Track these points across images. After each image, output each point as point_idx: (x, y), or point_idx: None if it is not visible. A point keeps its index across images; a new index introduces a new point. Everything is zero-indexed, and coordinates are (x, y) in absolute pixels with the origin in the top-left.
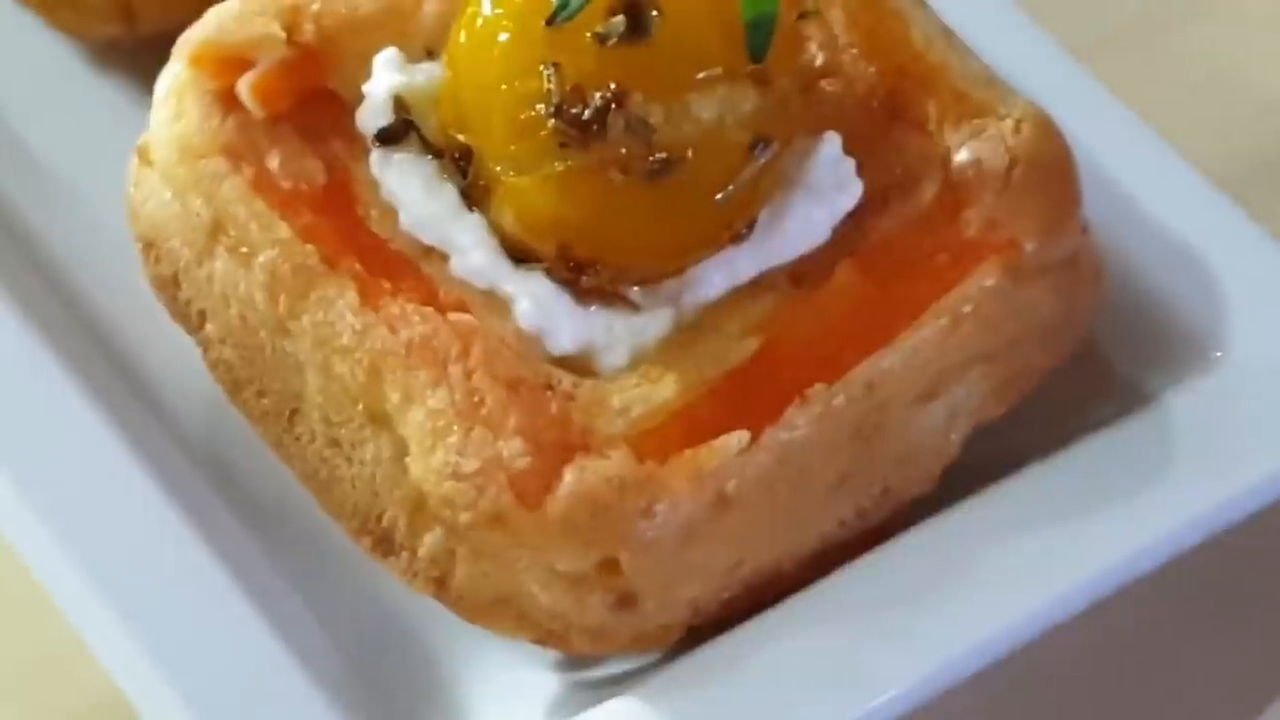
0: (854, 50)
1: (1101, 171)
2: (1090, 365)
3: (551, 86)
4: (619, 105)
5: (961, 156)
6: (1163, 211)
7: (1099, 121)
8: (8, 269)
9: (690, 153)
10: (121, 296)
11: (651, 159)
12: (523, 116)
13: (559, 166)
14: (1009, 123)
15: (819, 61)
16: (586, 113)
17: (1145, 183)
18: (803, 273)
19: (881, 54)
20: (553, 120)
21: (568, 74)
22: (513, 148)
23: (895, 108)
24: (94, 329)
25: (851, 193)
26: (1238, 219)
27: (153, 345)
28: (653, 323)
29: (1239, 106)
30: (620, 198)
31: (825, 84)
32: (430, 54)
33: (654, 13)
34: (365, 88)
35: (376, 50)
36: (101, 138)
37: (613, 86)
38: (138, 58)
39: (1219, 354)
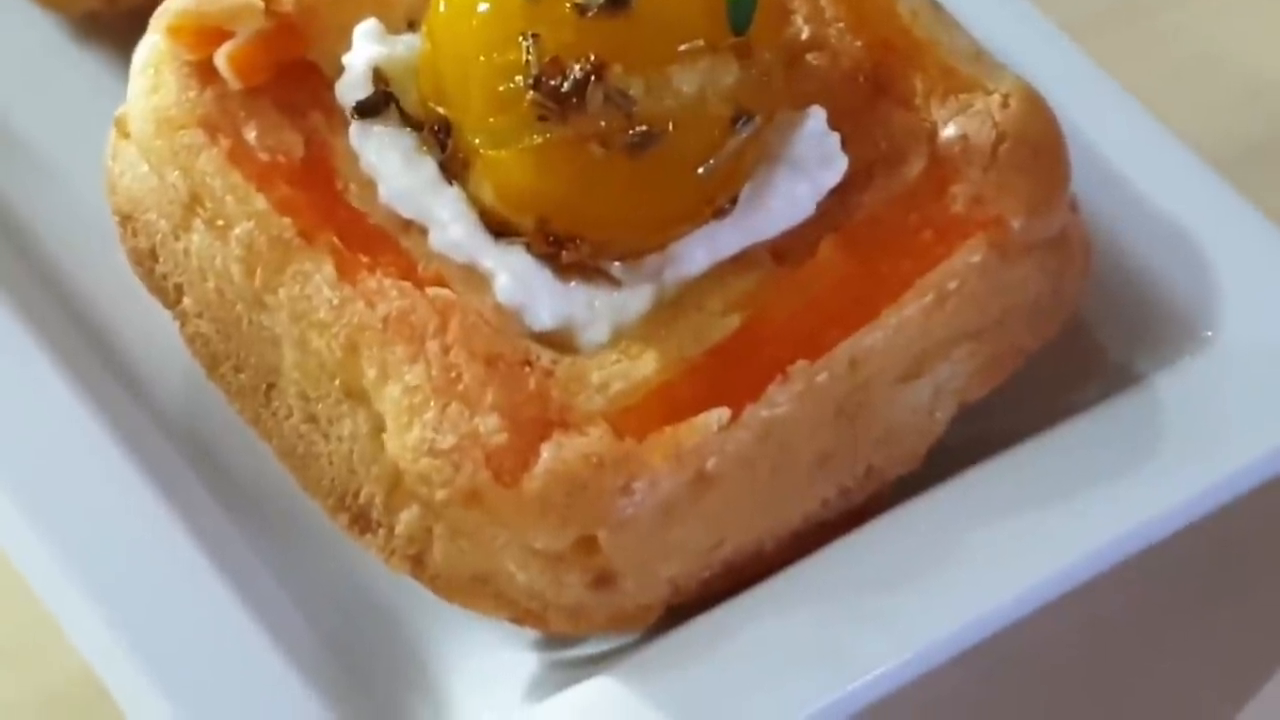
0: (840, 24)
1: (1090, 147)
2: (1079, 344)
3: (530, 58)
4: (599, 77)
5: (948, 132)
6: (1153, 189)
7: (1088, 96)
8: None
9: (671, 126)
10: (99, 271)
11: (632, 132)
12: (501, 89)
13: (538, 139)
14: (996, 98)
15: (804, 35)
16: (565, 85)
17: (1135, 159)
18: (786, 249)
19: (867, 27)
20: (531, 93)
21: (547, 45)
22: (491, 120)
23: (881, 82)
24: (70, 303)
25: (836, 168)
26: (1229, 197)
27: (130, 320)
28: (634, 299)
29: (1228, 88)
30: (600, 171)
31: (810, 58)
32: (411, 25)
33: None
34: (345, 59)
35: (357, 21)
36: (81, 111)
37: (592, 58)
38: (117, 30)
39: (1209, 334)
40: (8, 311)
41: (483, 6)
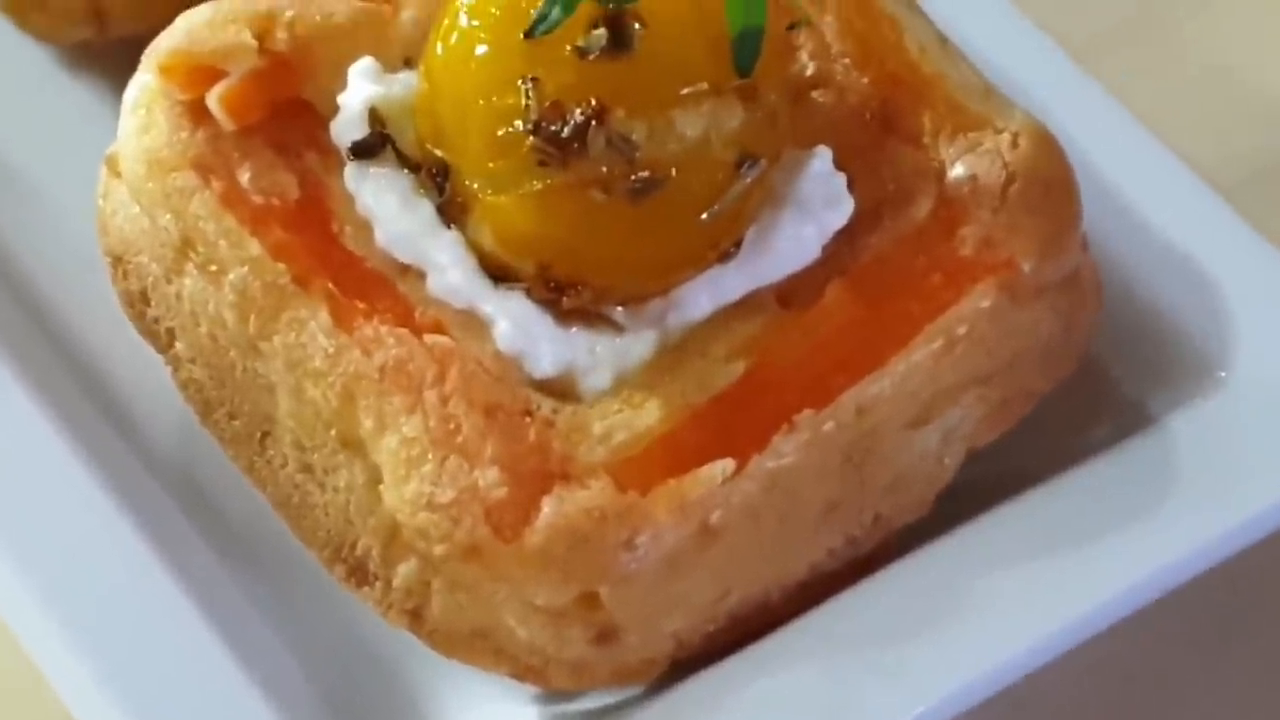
0: (846, 59)
1: (1100, 179)
2: (1091, 382)
3: (530, 102)
4: (600, 122)
5: (957, 171)
6: (1166, 223)
7: (1098, 125)
8: None
9: (674, 171)
10: (91, 308)
11: (634, 177)
12: (501, 133)
13: (538, 185)
14: (1006, 137)
15: (810, 71)
16: (566, 130)
17: (1147, 191)
18: (792, 292)
19: (874, 63)
20: (531, 137)
21: (547, 89)
22: (491, 165)
23: (889, 119)
24: (61, 341)
25: (843, 209)
26: (1244, 234)
27: (122, 360)
28: (636, 344)
29: (1240, 107)
30: (602, 217)
31: (816, 94)
32: (408, 62)
33: (637, 25)
34: (340, 98)
35: (352, 59)
36: (73, 142)
37: (593, 102)
38: (110, 58)
39: (1223, 374)
40: None
41: (481, 49)
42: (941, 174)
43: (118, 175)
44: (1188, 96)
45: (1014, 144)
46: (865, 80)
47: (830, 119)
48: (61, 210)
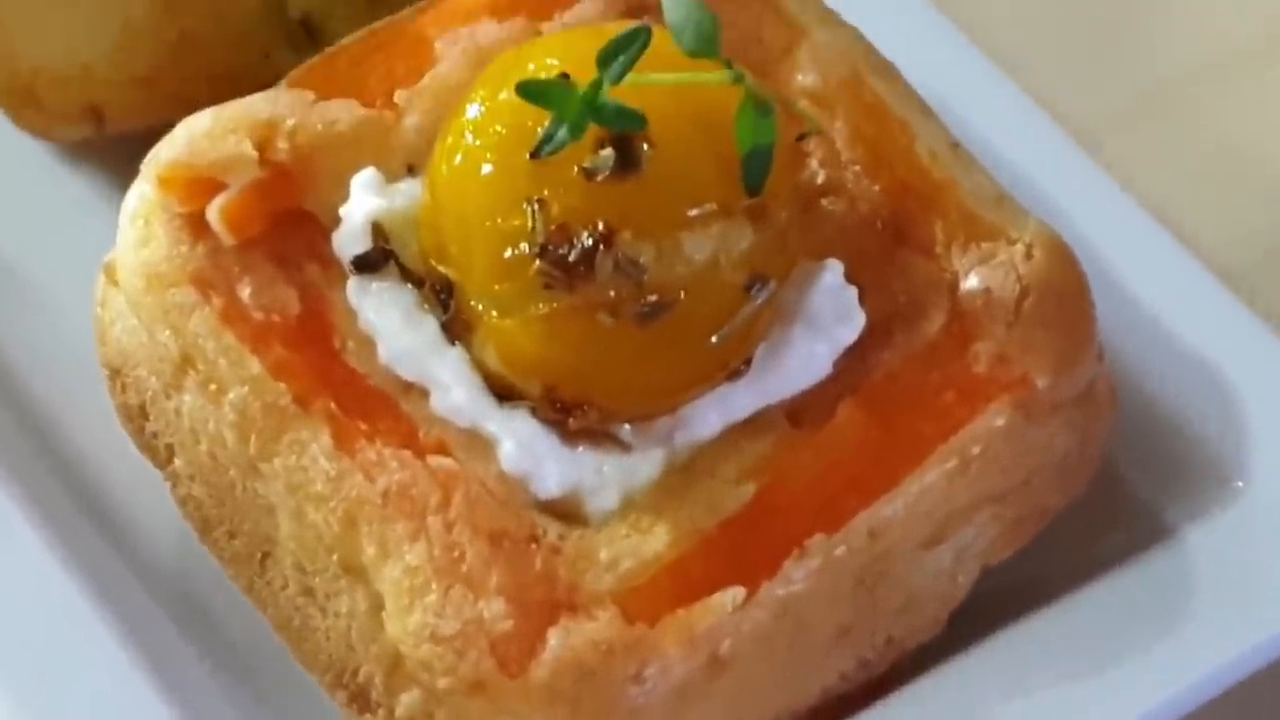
0: (856, 166)
1: (1112, 277)
2: (1105, 488)
3: (536, 225)
4: (607, 245)
5: (970, 284)
6: (1180, 324)
7: (1108, 220)
8: None
9: (683, 294)
10: (87, 414)
11: (642, 301)
12: (506, 256)
13: (544, 308)
14: (1020, 248)
15: (820, 179)
16: (573, 254)
17: (1161, 291)
18: (802, 409)
19: (885, 170)
20: (538, 261)
21: (553, 211)
22: (496, 287)
23: (900, 228)
24: (55, 447)
25: (854, 324)
26: (1262, 337)
27: (119, 470)
28: (644, 464)
29: (1252, 186)
30: (609, 340)
31: (826, 202)
32: (411, 169)
33: (645, 146)
34: (342, 211)
35: (354, 168)
36: (71, 238)
37: (601, 226)
38: (109, 153)
39: (1240, 484)
40: None
41: (486, 168)
42: (954, 286)
43: (115, 284)
44: (1199, 176)
45: (1028, 256)
46: (876, 188)
47: (841, 228)
48: (58, 309)
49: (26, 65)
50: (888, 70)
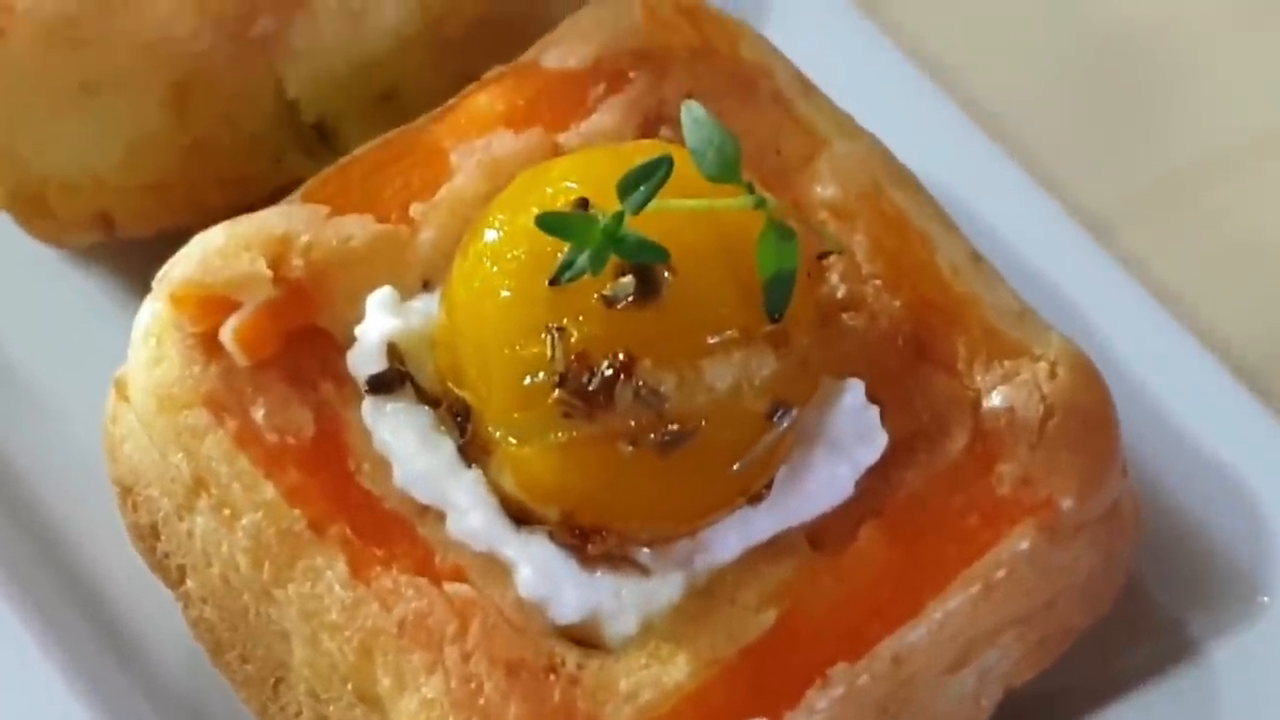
0: (877, 280)
1: (1133, 382)
2: (1129, 604)
3: (556, 354)
4: (628, 374)
5: (993, 403)
6: (1203, 433)
7: (1129, 323)
8: None
9: (704, 423)
10: (96, 528)
11: (663, 430)
12: (525, 383)
13: (563, 437)
14: (1043, 366)
15: (840, 293)
16: (593, 383)
17: (1185, 399)
18: (823, 531)
19: (906, 284)
20: (558, 390)
21: (573, 338)
22: (515, 416)
23: (921, 344)
24: (61, 560)
25: (876, 445)
26: None
27: (129, 588)
28: (663, 588)
29: (1271, 278)
30: (629, 468)
31: (847, 317)
32: (426, 284)
33: (665, 273)
34: (357, 330)
35: (369, 283)
36: (79, 346)
37: (621, 354)
38: (120, 256)
39: (1265, 599)
40: None
41: (504, 293)
42: (977, 404)
43: (126, 400)
44: (1218, 266)
45: (1052, 374)
46: (897, 303)
47: (861, 343)
48: (66, 417)
49: (36, 173)
50: (907, 179)
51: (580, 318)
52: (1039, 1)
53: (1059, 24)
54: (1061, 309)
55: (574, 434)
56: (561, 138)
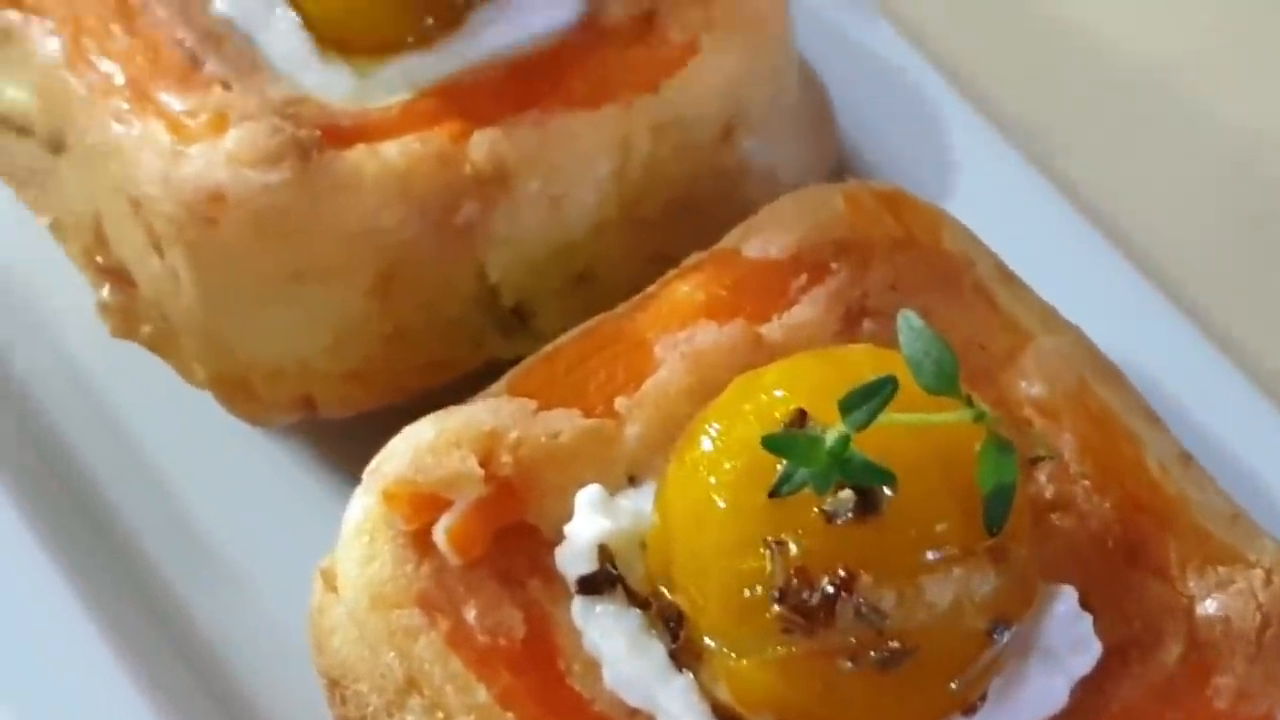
0: (1086, 481)
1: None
2: None
3: (776, 569)
4: (848, 591)
5: (1207, 611)
6: None
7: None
8: (173, 678)
9: (924, 640)
10: (297, 712)
11: (883, 648)
12: (743, 596)
13: (782, 651)
14: (1259, 573)
15: (1049, 493)
16: (814, 599)
17: None
18: None
19: (1115, 485)
20: (777, 606)
21: (792, 553)
22: (732, 627)
23: (1132, 548)
24: None
25: (1090, 655)
26: None
27: None
28: None
29: None
30: (847, 684)
31: (1055, 518)
32: (632, 479)
33: (885, 488)
34: (567, 529)
35: (576, 479)
36: (276, 518)
37: (841, 570)
38: (320, 435)
39: None
40: None
41: (722, 504)
42: (1190, 611)
43: (334, 591)
44: None
45: (1267, 581)
46: (1106, 504)
47: (1071, 545)
48: (265, 597)
49: (242, 360)
50: (1113, 375)
51: (799, 532)
52: (1234, 180)
53: (1251, 199)
54: (1243, 476)
55: (793, 649)
56: (764, 329)
